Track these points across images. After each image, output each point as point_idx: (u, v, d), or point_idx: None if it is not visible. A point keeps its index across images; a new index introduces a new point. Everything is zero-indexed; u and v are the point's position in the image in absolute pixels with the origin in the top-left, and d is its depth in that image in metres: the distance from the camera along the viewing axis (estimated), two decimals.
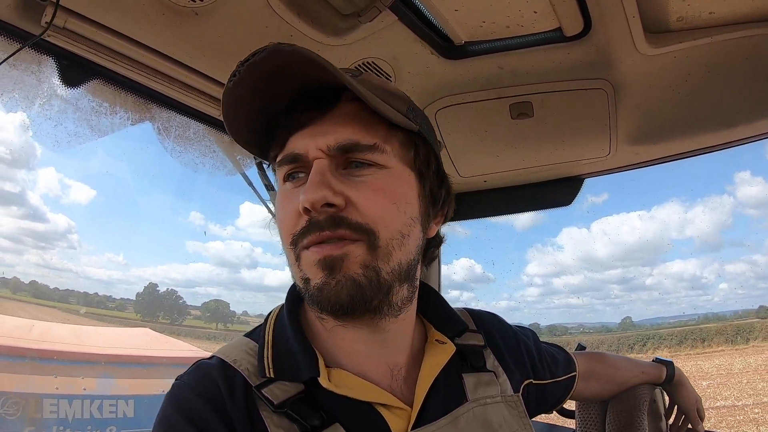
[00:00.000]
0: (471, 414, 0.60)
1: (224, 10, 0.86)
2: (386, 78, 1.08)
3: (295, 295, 0.63)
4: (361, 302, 0.53)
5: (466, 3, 0.90)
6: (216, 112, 1.10)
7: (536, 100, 1.14)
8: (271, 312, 0.65)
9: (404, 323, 0.62)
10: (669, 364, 1.07)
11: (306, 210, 0.52)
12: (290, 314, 0.61)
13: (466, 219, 1.64)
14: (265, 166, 1.28)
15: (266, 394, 0.53)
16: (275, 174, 0.61)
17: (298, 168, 0.56)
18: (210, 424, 0.51)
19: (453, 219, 0.69)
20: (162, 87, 0.99)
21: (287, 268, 0.59)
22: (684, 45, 0.97)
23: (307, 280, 0.54)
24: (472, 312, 0.77)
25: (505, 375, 0.69)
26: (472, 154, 1.36)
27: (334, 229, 0.52)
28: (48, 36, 0.82)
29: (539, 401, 0.78)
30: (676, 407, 1.08)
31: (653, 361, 1.09)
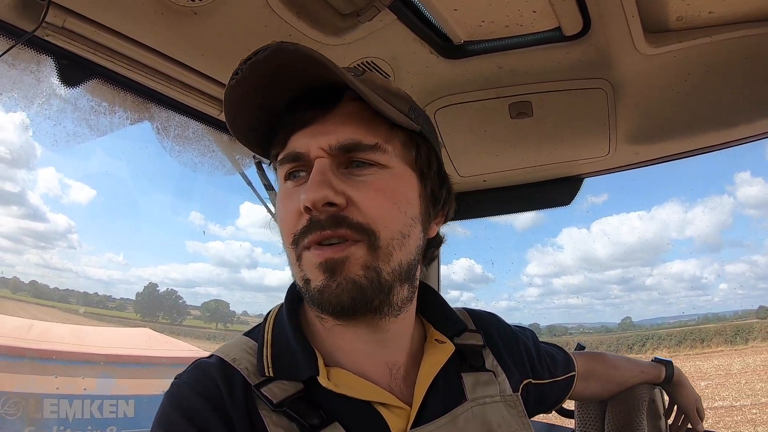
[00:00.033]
0: (470, 413, 0.60)
1: (223, 9, 0.86)
2: (385, 77, 1.08)
3: (294, 294, 0.63)
4: (362, 303, 0.53)
5: (466, 2, 0.90)
6: (215, 112, 1.10)
7: (535, 99, 1.14)
8: (270, 311, 0.65)
9: (404, 323, 0.62)
10: (668, 364, 1.07)
11: (307, 209, 0.52)
12: (289, 313, 0.61)
13: (466, 219, 1.64)
14: (264, 165, 1.28)
15: (265, 393, 0.53)
16: (276, 173, 0.61)
17: (299, 167, 0.56)
18: (209, 423, 0.51)
19: (452, 219, 0.70)
20: (161, 86, 0.99)
21: (287, 268, 0.59)
22: (683, 44, 0.96)
23: (307, 281, 0.54)
24: (471, 312, 0.77)
25: (504, 374, 0.69)
26: (472, 153, 1.36)
27: (335, 228, 0.52)
28: (47, 35, 0.82)
29: (538, 401, 0.78)
30: (675, 407, 1.08)
31: (652, 360, 1.09)
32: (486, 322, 0.76)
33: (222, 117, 1.12)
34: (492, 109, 1.18)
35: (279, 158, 0.58)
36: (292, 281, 0.62)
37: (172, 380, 0.57)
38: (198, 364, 0.58)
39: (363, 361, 0.59)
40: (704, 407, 1.08)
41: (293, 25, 0.90)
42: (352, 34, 0.95)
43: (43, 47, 0.86)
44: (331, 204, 0.52)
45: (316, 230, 0.52)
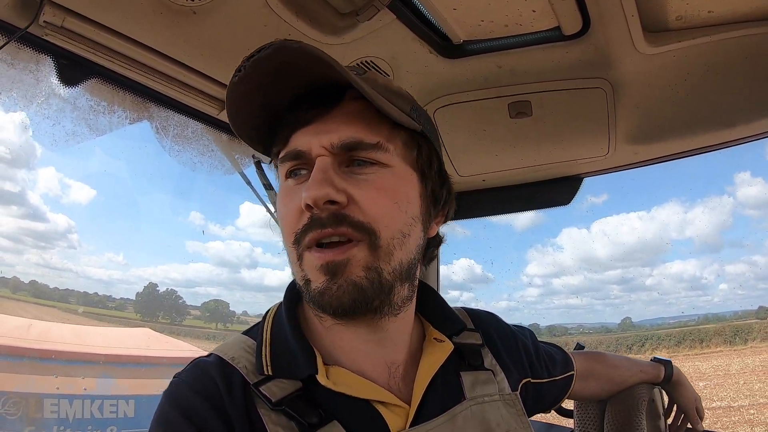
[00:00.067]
0: (469, 412, 0.60)
1: (222, 9, 0.86)
2: (385, 77, 1.08)
3: (293, 292, 0.63)
4: (363, 304, 0.53)
5: (465, 2, 0.90)
6: (214, 111, 1.10)
7: (535, 99, 1.14)
8: (269, 310, 0.65)
9: (403, 322, 0.62)
10: (667, 364, 1.07)
11: (308, 207, 0.52)
12: (288, 312, 0.61)
13: (465, 218, 1.64)
14: (263, 165, 1.28)
15: (264, 392, 0.53)
16: (277, 170, 0.61)
17: (300, 165, 0.56)
18: (208, 422, 0.51)
19: (452, 218, 0.70)
20: (160, 86, 0.99)
21: (287, 268, 0.59)
22: (683, 44, 0.96)
23: (308, 281, 0.54)
24: (469, 311, 0.77)
25: (502, 374, 0.69)
26: (471, 153, 1.36)
27: (336, 226, 0.52)
28: (46, 35, 0.82)
29: (536, 400, 0.78)
30: (675, 406, 1.08)
31: (651, 360, 1.09)
32: (485, 321, 0.76)
33: (221, 116, 1.12)
34: (491, 108, 1.18)
35: (280, 156, 0.58)
36: (291, 280, 0.62)
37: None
38: (197, 363, 0.58)
39: (362, 360, 0.59)
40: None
41: (292, 24, 0.90)
42: (351, 33, 0.95)
43: (42, 47, 0.86)
44: (332, 202, 0.52)
45: (317, 228, 0.52)
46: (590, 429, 1.11)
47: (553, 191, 1.49)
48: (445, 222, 0.68)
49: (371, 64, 1.05)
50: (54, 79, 0.89)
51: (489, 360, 0.70)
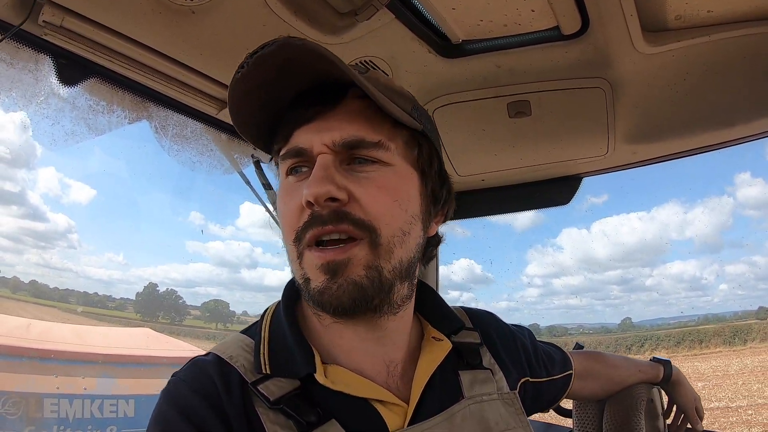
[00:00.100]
0: (467, 411, 0.60)
1: (221, 8, 0.86)
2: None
3: (292, 290, 0.63)
4: (363, 302, 0.53)
5: (464, 1, 0.90)
6: (213, 111, 1.10)
7: (534, 98, 1.14)
8: (267, 308, 0.65)
9: (402, 320, 0.62)
10: (666, 364, 1.07)
11: (309, 203, 0.52)
12: (287, 310, 0.61)
13: (464, 218, 1.64)
14: (263, 164, 1.28)
15: (262, 391, 0.53)
16: (277, 168, 0.61)
17: (301, 162, 0.56)
18: (206, 421, 0.51)
19: (451, 218, 0.70)
20: (159, 85, 0.99)
21: (287, 268, 0.59)
22: (682, 44, 0.96)
23: (307, 280, 0.54)
24: (468, 310, 0.77)
25: (501, 373, 0.69)
26: (470, 152, 1.36)
27: (337, 223, 0.52)
28: (45, 35, 0.83)
29: (535, 399, 0.78)
30: (675, 406, 1.08)
31: (650, 360, 1.08)
32: (483, 320, 0.76)
33: (220, 116, 1.13)
34: (490, 108, 1.18)
35: (281, 153, 0.58)
36: (290, 279, 0.62)
37: None
38: (195, 362, 0.58)
39: (360, 359, 0.59)
40: None
41: (291, 24, 0.91)
42: (350, 33, 0.95)
43: (41, 46, 0.86)
44: (333, 199, 0.52)
45: (318, 225, 0.52)
46: (589, 429, 1.11)
47: (553, 191, 1.49)
48: (444, 222, 0.68)
49: (370, 63, 1.05)
50: (53, 79, 0.90)
51: (487, 359, 0.70)
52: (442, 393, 0.60)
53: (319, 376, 0.54)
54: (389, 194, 0.55)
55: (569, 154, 1.36)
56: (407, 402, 0.58)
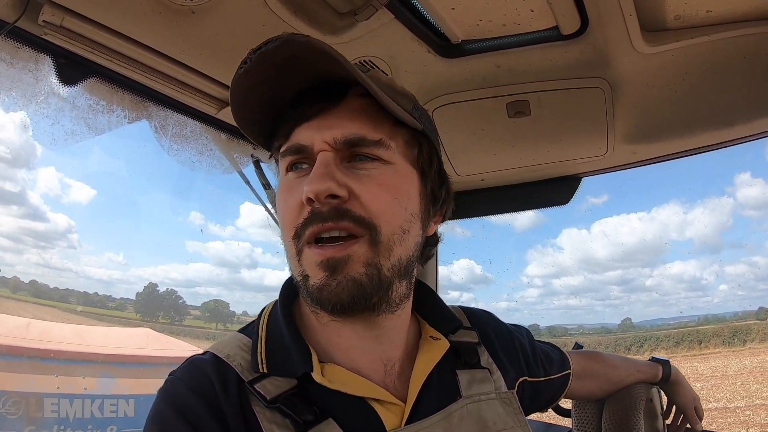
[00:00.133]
0: (465, 410, 0.60)
1: (221, 8, 0.86)
2: None
3: (289, 289, 0.63)
4: (362, 300, 0.53)
5: (463, 1, 0.90)
6: (213, 110, 1.10)
7: (533, 98, 1.14)
8: (265, 307, 0.65)
9: (400, 319, 0.62)
10: (665, 364, 1.07)
11: (309, 200, 0.52)
12: (284, 309, 0.61)
13: (463, 218, 1.64)
14: (262, 164, 1.28)
15: (259, 390, 0.53)
16: (277, 165, 0.61)
17: (301, 159, 0.56)
18: (203, 420, 0.51)
19: (450, 218, 0.70)
20: (158, 85, 1.00)
21: (287, 268, 0.59)
22: (681, 43, 0.96)
23: (306, 277, 0.54)
24: (466, 310, 0.77)
25: (499, 372, 0.69)
26: (469, 152, 1.36)
27: (337, 221, 0.52)
28: (45, 34, 0.83)
29: (533, 399, 0.78)
30: (674, 406, 1.08)
31: (649, 360, 1.08)
32: (481, 320, 0.76)
33: (220, 115, 1.13)
34: (489, 108, 1.18)
35: (282, 150, 0.58)
36: (287, 277, 0.62)
37: None
38: (192, 361, 0.58)
39: (358, 357, 0.59)
40: None
41: (290, 23, 0.91)
42: (350, 33, 0.95)
43: (41, 46, 0.86)
44: (333, 196, 0.52)
45: (318, 222, 0.52)
46: (588, 428, 1.11)
47: (552, 191, 1.49)
48: (442, 222, 0.68)
49: (370, 63, 1.05)
50: (53, 79, 0.90)
51: (485, 358, 0.69)
52: (439, 392, 0.60)
53: (316, 375, 0.54)
54: (389, 192, 0.55)
55: (568, 154, 1.36)
56: (404, 401, 0.57)
